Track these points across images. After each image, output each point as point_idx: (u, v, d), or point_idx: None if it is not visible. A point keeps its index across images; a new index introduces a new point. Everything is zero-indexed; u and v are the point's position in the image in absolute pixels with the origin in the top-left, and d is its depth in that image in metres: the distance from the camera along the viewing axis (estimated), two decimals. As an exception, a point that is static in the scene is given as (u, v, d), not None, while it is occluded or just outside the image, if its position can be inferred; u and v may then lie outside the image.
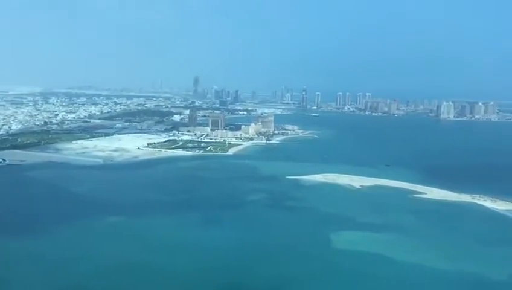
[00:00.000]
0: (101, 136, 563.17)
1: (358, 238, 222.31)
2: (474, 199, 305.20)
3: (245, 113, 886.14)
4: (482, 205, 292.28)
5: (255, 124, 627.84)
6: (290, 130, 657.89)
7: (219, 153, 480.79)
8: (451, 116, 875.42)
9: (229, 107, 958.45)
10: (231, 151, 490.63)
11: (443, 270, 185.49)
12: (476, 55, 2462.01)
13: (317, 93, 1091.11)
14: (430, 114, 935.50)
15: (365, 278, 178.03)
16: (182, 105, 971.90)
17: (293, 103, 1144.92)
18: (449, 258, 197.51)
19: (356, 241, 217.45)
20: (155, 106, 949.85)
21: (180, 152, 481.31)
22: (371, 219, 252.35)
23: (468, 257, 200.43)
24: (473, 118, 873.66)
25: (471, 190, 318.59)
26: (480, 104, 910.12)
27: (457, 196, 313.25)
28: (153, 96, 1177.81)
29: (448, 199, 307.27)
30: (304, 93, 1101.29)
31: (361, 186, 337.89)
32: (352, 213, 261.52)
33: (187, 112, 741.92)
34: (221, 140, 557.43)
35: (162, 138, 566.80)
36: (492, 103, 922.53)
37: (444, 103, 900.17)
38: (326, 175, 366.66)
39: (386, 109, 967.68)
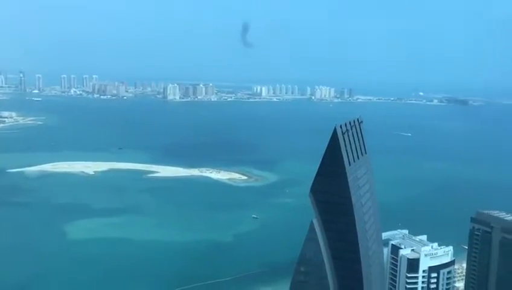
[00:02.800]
0: None
1: (95, 225, 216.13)
2: (202, 172, 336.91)
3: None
4: (209, 177, 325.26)
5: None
6: (6, 117, 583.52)
7: None
8: (177, 98, 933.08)
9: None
10: None
11: (179, 241, 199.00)
12: (184, 39, 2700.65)
13: (37, 75, 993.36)
14: (158, 96, 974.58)
15: (106, 263, 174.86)
16: None
17: (9, 87, 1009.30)
18: (184, 230, 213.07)
19: (93, 228, 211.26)
20: None
21: None
22: (107, 203, 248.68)
23: (201, 225, 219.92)
24: (196, 99, 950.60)
25: (199, 165, 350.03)
26: (201, 85, 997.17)
27: (188, 171, 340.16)
28: None
29: (179, 174, 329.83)
30: (21, 75, 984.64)
31: (95, 172, 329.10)
32: (87, 201, 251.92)
33: None
34: None
35: None
36: (211, 84, 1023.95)
37: (170, 84, 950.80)
38: (56, 164, 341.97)
39: (114, 91, 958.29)
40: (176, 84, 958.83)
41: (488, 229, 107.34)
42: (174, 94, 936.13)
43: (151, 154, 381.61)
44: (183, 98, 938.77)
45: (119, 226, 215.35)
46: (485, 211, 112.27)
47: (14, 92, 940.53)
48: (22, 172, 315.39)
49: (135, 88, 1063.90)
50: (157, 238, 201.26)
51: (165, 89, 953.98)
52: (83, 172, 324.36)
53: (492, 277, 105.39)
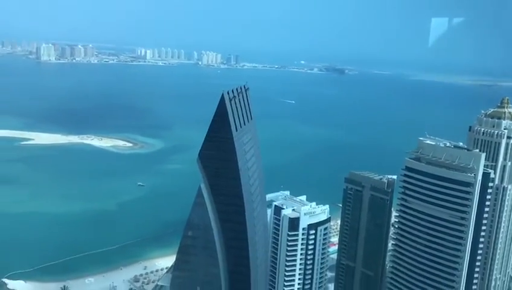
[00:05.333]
0: None
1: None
2: (82, 139, 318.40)
3: None
4: (90, 144, 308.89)
5: None
6: None
7: None
8: (53, 59, 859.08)
9: None
10: None
11: (59, 212, 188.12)
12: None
13: None
14: (30, 56, 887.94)
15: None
16: None
17: None
18: (64, 200, 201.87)
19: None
20: None
21: None
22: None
23: (83, 195, 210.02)
24: (74, 60, 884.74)
25: (79, 131, 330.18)
26: (80, 46, 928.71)
27: (66, 138, 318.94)
28: None
29: (57, 142, 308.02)
30: None
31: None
32: None
33: None
34: None
35: None
36: (91, 45, 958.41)
37: (44, 44, 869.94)
38: None
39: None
40: (50, 44, 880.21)
41: (360, 188, 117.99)
42: (49, 55, 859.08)
43: (24, 120, 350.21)
44: (59, 60, 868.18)
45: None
46: (357, 172, 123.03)
47: None
48: None
49: (2, 47, 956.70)
50: (34, 210, 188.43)
51: (38, 49, 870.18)
52: None
53: (362, 231, 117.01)
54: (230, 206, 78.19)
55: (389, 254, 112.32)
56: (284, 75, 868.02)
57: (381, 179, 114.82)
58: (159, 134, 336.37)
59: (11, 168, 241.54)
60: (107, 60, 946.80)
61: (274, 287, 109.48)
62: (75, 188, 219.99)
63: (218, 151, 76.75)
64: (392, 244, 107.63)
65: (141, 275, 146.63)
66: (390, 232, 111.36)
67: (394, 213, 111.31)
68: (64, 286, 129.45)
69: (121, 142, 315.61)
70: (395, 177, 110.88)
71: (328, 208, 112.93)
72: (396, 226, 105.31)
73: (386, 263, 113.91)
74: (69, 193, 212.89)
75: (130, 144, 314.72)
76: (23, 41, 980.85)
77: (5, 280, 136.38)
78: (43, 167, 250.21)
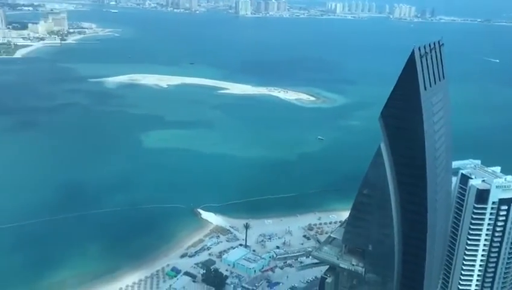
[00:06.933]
0: None
1: (167, 136, 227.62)
2: (270, 91, 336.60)
3: (30, 9, 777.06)
4: (276, 96, 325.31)
5: (45, 21, 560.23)
6: (87, 28, 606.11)
7: (3, 57, 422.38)
8: (249, 13, 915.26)
9: (9, 1, 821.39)
10: (19, 54, 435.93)
11: (245, 157, 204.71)
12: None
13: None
14: (230, 10, 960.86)
15: (174, 173, 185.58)
16: None
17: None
18: (250, 146, 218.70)
19: (165, 139, 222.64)
20: None
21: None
22: (179, 116, 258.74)
23: (266, 143, 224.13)
24: (267, 15, 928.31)
25: (268, 83, 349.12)
26: (273, 1, 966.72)
27: (256, 89, 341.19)
28: None
29: (248, 92, 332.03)
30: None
31: (168, 85, 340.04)
32: (160, 112, 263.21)
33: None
34: (5, 41, 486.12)
35: None
36: (283, 0, 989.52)
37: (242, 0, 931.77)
38: (132, 76, 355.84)
39: (187, 5, 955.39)
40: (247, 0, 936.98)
41: None
42: (245, 9, 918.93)
43: (221, 71, 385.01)
44: (254, 14, 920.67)
45: (189, 138, 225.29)
46: None
47: (93, 4, 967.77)
48: (102, 82, 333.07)
49: (207, 2, 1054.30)
50: (224, 152, 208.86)
51: (236, 4, 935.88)
52: (156, 85, 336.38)
53: None
54: (410, 169, 74.18)
55: None
56: (488, 30, 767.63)
57: None
58: (343, 89, 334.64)
59: (210, 114, 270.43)
60: (298, 14, 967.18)
61: (451, 260, 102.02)
62: (261, 135, 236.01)
63: (403, 110, 72.59)
64: None
65: (315, 224, 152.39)
66: None
67: None
68: (247, 223, 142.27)
69: (304, 96, 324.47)
70: None
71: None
72: None
73: None
74: (255, 139, 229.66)
75: (313, 98, 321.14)
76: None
77: (199, 210, 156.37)
78: (234, 115, 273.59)
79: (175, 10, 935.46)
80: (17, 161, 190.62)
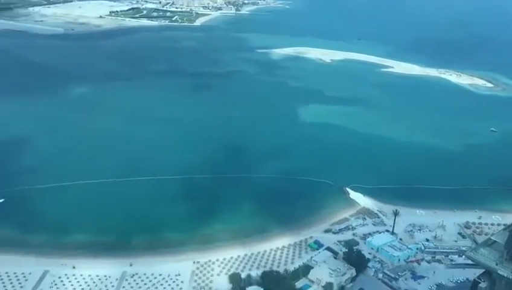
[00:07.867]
0: (60, 2, 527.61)
1: (325, 111, 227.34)
2: (440, 73, 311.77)
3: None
4: (447, 80, 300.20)
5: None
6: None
7: (186, 24, 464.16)
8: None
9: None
10: (198, 22, 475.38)
11: (402, 141, 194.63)
12: None
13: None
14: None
15: (327, 149, 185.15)
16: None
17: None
18: (410, 130, 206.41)
19: (323, 114, 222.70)
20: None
21: (145, 22, 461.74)
22: (339, 92, 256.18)
23: (430, 130, 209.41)
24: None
25: (438, 64, 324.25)
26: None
27: (424, 70, 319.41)
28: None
29: (414, 73, 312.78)
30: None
31: (331, 60, 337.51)
32: (321, 87, 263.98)
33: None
34: (188, 9, 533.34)
35: (125, 5, 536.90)
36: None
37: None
38: (297, 48, 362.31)
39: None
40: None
41: None
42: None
43: (388, 48, 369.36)
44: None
45: (346, 115, 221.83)
46: None
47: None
48: (268, 53, 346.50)
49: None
50: (380, 133, 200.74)
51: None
52: (320, 59, 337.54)
53: None
54: None
55: None
56: None
57: None
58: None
59: (370, 92, 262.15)
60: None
61: None
62: (424, 120, 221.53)
63: None
64: None
65: (473, 223, 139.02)
66: None
67: None
68: (396, 210, 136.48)
69: (480, 81, 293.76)
70: None
71: None
72: None
73: None
74: (416, 124, 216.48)
75: (491, 85, 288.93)
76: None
77: (348, 189, 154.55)
78: (396, 95, 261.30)
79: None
80: (193, 121, 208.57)
